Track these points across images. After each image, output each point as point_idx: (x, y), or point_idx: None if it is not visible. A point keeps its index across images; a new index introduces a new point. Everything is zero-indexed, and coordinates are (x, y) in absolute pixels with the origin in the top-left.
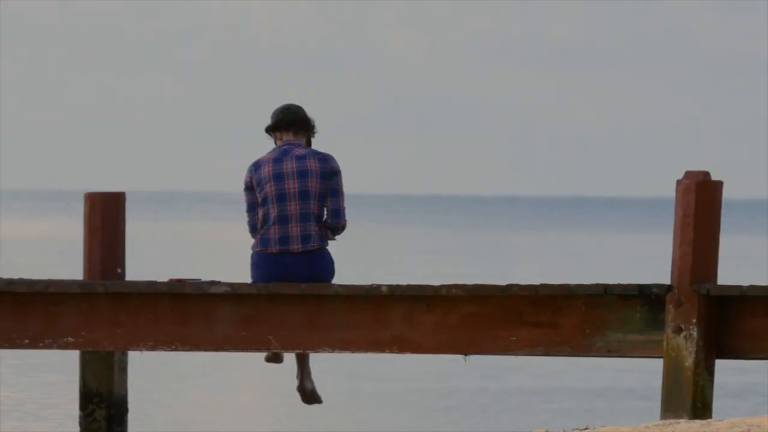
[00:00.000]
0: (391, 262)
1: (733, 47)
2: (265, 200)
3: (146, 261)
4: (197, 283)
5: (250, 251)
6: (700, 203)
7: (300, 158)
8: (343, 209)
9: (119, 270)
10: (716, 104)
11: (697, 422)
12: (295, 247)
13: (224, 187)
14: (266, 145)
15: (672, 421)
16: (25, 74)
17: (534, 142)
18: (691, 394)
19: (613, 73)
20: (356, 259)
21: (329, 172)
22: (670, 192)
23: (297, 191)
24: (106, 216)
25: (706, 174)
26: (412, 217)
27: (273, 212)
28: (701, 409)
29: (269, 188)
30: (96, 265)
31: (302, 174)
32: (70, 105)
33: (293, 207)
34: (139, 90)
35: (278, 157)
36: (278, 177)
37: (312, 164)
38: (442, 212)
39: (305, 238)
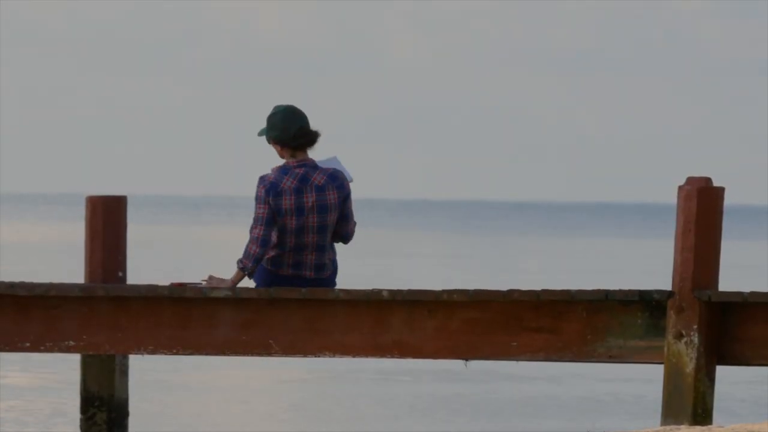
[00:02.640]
0: (392, 266)
1: (736, 52)
2: (283, 230)
3: (147, 265)
4: (198, 287)
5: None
6: (702, 209)
7: (320, 189)
8: (352, 229)
9: (120, 273)
10: (718, 109)
11: (698, 428)
12: (308, 273)
13: (225, 191)
14: (268, 149)
15: (672, 427)
16: (27, 76)
17: (536, 147)
18: (691, 401)
19: (615, 77)
20: (357, 264)
21: (344, 199)
22: (671, 198)
23: (316, 225)
24: (107, 219)
25: (708, 180)
26: (413, 222)
27: (290, 242)
28: (702, 415)
29: (290, 221)
30: (97, 269)
31: (322, 209)
32: (71, 107)
33: (310, 238)
34: (140, 93)
35: (299, 188)
36: (300, 211)
37: (331, 197)
38: (442, 216)
39: (318, 267)
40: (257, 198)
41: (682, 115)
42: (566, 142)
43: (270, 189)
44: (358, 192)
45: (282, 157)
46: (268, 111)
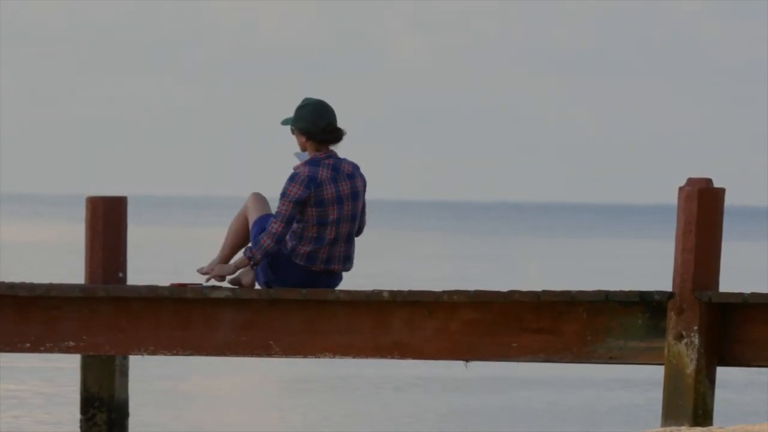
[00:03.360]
0: (392, 267)
1: (736, 52)
2: (323, 221)
3: (148, 265)
4: (199, 288)
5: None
6: (702, 210)
7: (351, 177)
8: (365, 221)
9: (121, 274)
10: (719, 110)
11: (698, 429)
12: (336, 266)
13: (226, 191)
14: (270, 146)
15: (673, 428)
16: (27, 76)
17: (536, 147)
18: (692, 402)
19: (615, 78)
20: (357, 264)
21: (365, 187)
22: (672, 199)
23: (350, 214)
24: (107, 220)
25: (708, 181)
26: (414, 223)
27: (330, 234)
28: (702, 416)
29: (332, 212)
30: (97, 269)
31: (355, 196)
32: (71, 107)
33: (344, 228)
34: (140, 93)
35: (334, 177)
36: (339, 200)
37: (360, 185)
38: (443, 218)
39: (346, 259)
40: (285, 194)
41: (682, 115)
42: (566, 143)
43: (310, 182)
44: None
45: (304, 149)
46: (270, 113)
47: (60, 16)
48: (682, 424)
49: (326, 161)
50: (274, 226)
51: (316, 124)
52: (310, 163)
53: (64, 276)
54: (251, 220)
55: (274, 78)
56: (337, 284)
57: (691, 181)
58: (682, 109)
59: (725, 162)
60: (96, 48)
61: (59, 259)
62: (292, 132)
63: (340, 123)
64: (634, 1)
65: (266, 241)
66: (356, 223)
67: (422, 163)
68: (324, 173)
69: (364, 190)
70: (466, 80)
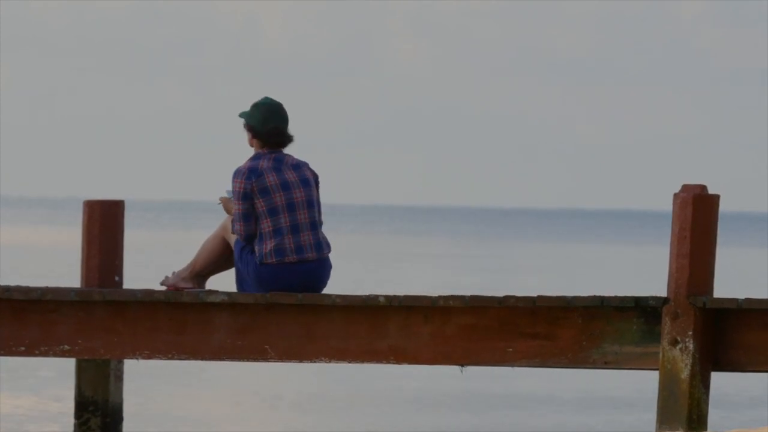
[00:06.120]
0: (389, 272)
1: (737, 60)
2: (273, 210)
3: (144, 269)
4: (194, 292)
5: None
6: (697, 216)
7: (296, 167)
8: (322, 223)
9: (117, 278)
10: (720, 118)
11: None
12: (311, 254)
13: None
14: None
15: None
16: (27, 79)
17: (537, 153)
18: (686, 407)
19: (616, 85)
20: (354, 269)
21: (317, 182)
22: (668, 205)
23: (304, 200)
24: (104, 224)
25: (703, 187)
26: (411, 227)
27: (285, 222)
28: (697, 421)
29: (279, 198)
30: (94, 273)
31: (305, 183)
32: (71, 109)
33: (303, 216)
34: (140, 95)
35: (277, 166)
36: (285, 186)
37: (308, 174)
38: (441, 223)
39: (318, 246)
40: (235, 193)
41: (681, 121)
42: (566, 148)
43: (250, 174)
44: (358, 197)
45: (251, 145)
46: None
47: (60, 16)
48: (677, 430)
49: (269, 155)
50: (236, 227)
51: (264, 126)
52: (252, 158)
53: (60, 279)
54: (232, 240)
55: (275, 82)
56: (322, 273)
57: (685, 188)
58: (681, 116)
59: (724, 168)
60: (96, 49)
61: (55, 263)
62: (244, 126)
63: (339, 125)
64: (634, 6)
65: (239, 235)
66: (315, 209)
67: (422, 168)
68: (265, 164)
69: (317, 185)
70: (467, 85)
